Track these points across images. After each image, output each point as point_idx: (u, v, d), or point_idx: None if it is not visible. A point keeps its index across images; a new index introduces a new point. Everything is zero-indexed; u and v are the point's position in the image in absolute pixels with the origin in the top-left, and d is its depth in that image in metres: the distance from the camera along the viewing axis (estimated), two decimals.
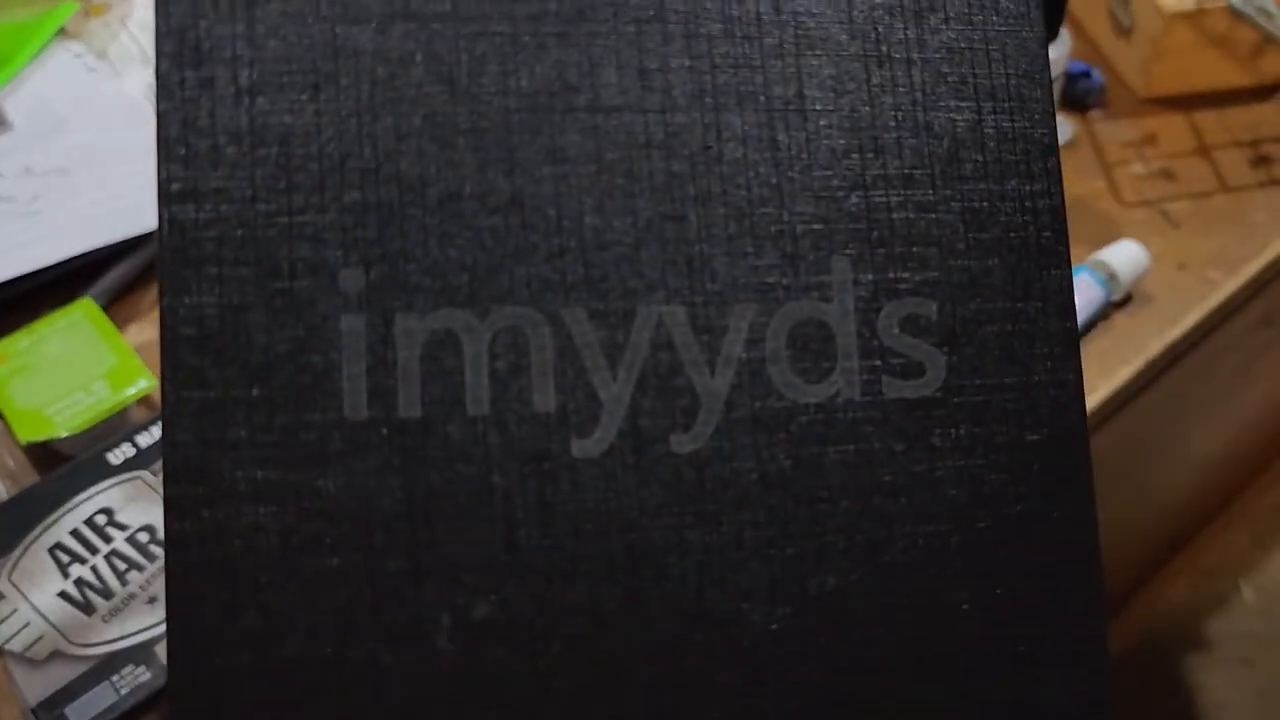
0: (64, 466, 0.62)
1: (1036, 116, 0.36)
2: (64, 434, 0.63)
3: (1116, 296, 0.76)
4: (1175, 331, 0.77)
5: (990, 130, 0.36)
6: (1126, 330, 0.76)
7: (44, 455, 0.65)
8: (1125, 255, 0.76)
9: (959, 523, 0.34)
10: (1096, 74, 0.90)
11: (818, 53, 0.35)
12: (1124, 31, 0.89)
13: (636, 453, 0.33)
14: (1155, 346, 0.76)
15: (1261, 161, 0.87)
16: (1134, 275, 0.76)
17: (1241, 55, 0.88)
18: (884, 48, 0.35)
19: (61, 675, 0.56)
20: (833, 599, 0.34)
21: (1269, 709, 1.21)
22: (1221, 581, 1.30)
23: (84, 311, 0.67)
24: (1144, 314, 0.77)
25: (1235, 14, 0.85)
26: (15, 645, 0.57)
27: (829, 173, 0.35)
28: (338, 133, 0.33)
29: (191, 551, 0.31)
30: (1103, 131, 0.88)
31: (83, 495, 0.61)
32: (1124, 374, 0.73)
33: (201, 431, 0.32)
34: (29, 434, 0.63)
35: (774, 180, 0.34)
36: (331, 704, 0.32)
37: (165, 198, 0.32)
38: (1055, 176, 0.36)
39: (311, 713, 0.32)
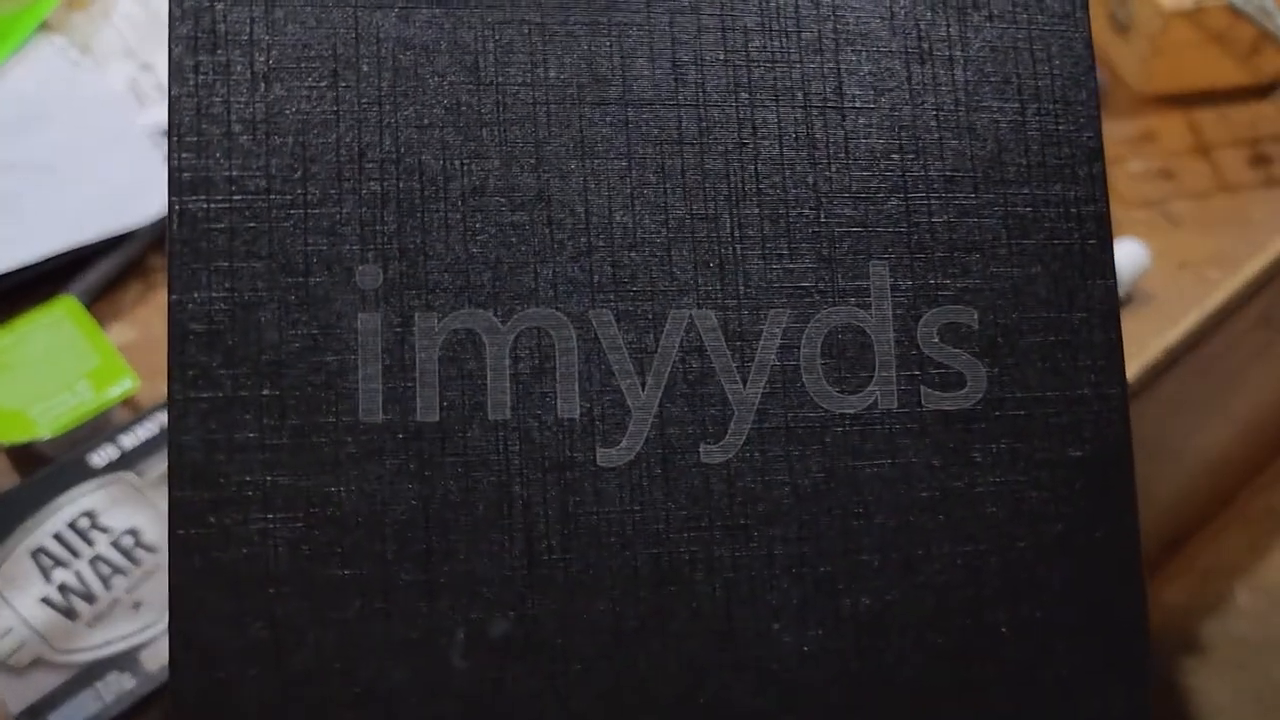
0: (45, 468, 0.61)
1: (1082, 119, 0.35)
2: (47, 435, 0.61)
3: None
4: (1176, 332, 0.76)
5: (1034, 132, 0.35)
6: (1127, 330, 0.75)
7: (24, 457, 0.63)
8: (1127, 255, 0.76)
9: (998, 541, 0.34)
10: (1095, 72, 0.89)
11: (857, 48, 0.34)
12: (1122, 29, 0.89)
13: (664, 463, 0.32)
14: (1156, 347, 0.75)
15: (1261, 161, 0.87)
16: (1135, 275, 0.76)
17: (1241, 53, 0.88)
18: (925, 45, 0.35)
19: (44, 683, 0.55)
20: (867, 619, 0.33)
21: (1265, 713, 1.21)
22: (1218, 584, 1.30)
23: (66, 310, 0.66)
24: (1144, 313, 0.77)
25: (1235, 12, 0.84)
26: None
27: (868, 173, 0.34)
28: (357, 122, 0.32)
29: (196, 558, 0.30)
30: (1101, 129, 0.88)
31: (65, 498, 0.60)
32: (1128, 375, 0.73)
33: (209, 433, 0.31)
34: (10, 435, 0.61)
35: (810, 180, 0.33)
36: None
37: (176, 187, 0.31)
38: (1100, 182, 0.35)
39: None
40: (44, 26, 0.81)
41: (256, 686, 0.30)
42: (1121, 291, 0.75)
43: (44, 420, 0.62)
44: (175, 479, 0.30)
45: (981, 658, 0.33)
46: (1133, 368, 0.74)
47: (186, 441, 0.31)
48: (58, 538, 0.59)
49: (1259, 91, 0.90)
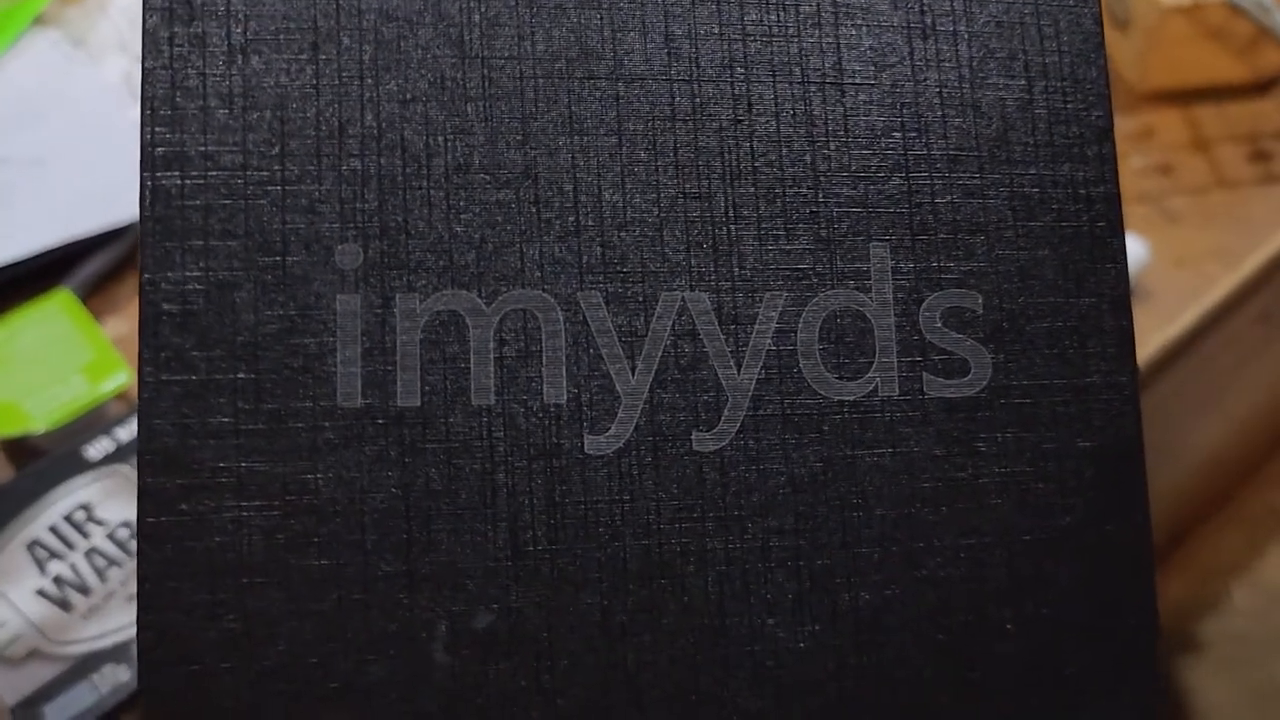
0: (40, 461, 0.60)
1: (1091, 98, 0.33)
2: (41, 429, 0.60)
3: None
4: (1175, 328, 0.75)
5: (1042, 111, 0.33)
6: None
7: (18, 451, 0.62)
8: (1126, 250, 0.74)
9: (1003, 534, 0.32)
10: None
11: (857, 22, 0.32)
12: (1121, 24, 0.88)
13: (654, 451, 0.30)
14: (1155, 343, 0.75)
15: (1260, 157, 0.85)
16: (1135, 271, 0.74)
17: (1239, 49, 0.87)
18: (929, 19, 0.33)
19: (40, 674, 0.54)
20: (866, 615, 0.31)
21: (1263, 711, 1.19)
22: (1216, 582, 1.28)
23: (61, 303, 0.65)
24: (1143, 310, 0.76)
25: (1232, 7, 0.83)
26: None
27: (868, 152, 0.32)
28: (337, 96, 0.30)
29: (167, 548, 0.29)
30: None
31: (60, 491, 0.59)
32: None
33: (181, 417, 0.29)
34: (4, 428, 0.60)
35: (808, 158, 0.31)
36: (317, 718, 0.29)
37: (149, 163, 0.30)
38: (1110, 162, 0.33)
39: None
40: (39, 20, 0.80)
41: (230, 680, 0.28)
42: None
43: (38, 414, 0.61)
44: (145, 465, 0.29)
45: (985, 655, 0.31)
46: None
47: (158, 426, 0.29)
48: (53, 530, 0.58)
49: (1258, 87, 0.89)
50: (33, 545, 0.57)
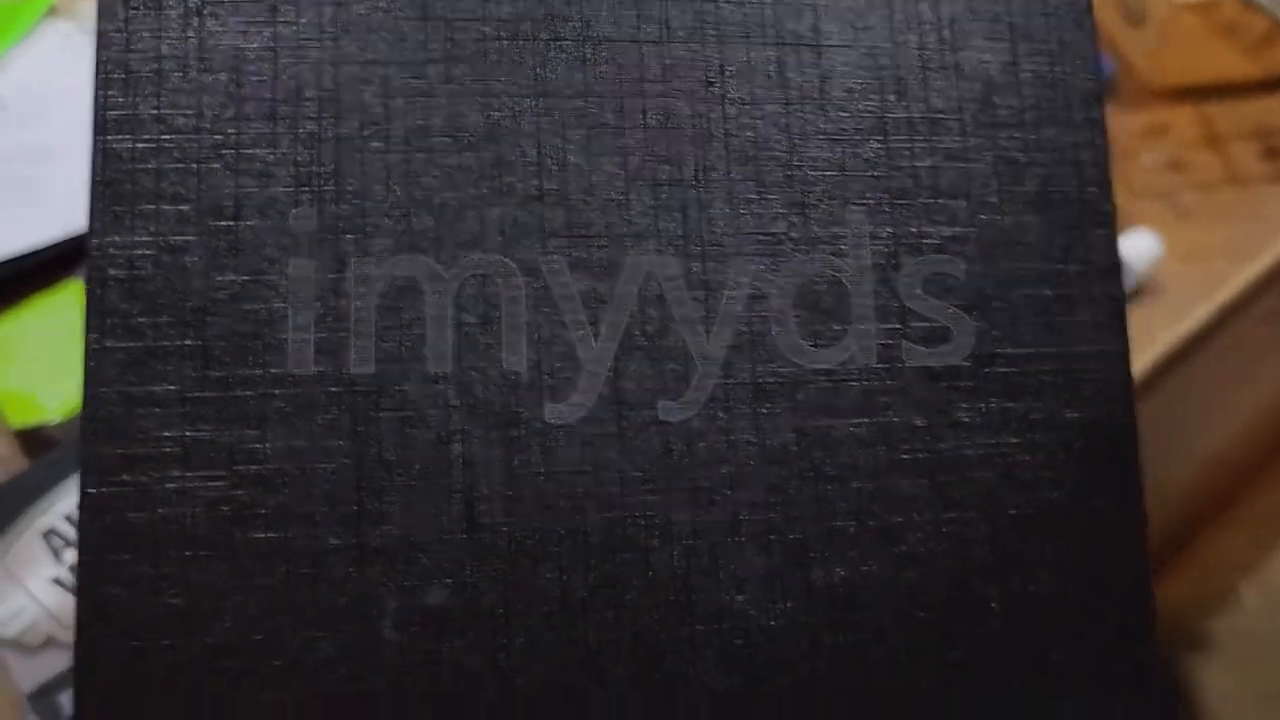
0: (54, 451, 0.58)
1: (1078, 61, 0.31)
2: (56, 419, 0.59)
3: (1129, 288, 0.71)
4: (1186, 325, 0.73)
5: (1027, 74, 0.30)
6: (1137, 322, 0.72)
7: (33, 440, 0.61)
8: (1138, 246, 0.72)
9: (987, 509, 0.29)
10: (1106, 63, 0.85)
11: None
12: (1134, 21, 0.85)
13: (618, 420, 0.28)
14: (1167, 339, 0.72)
15: (1272, 154, 0.83)
16: (1146, 266, 0.72)
17: (1251, 46, 0.84)
18: None
19: (56, 662, 0.53)
20: (841, 592, 0.28)
21: (1269, 709, 1.16)
22: (1223, 580, 1.25)
23: (74, 294, 0.64)
24: (1154, 306, 0.73)
25: (1245, 4, 0.80)
26: (9, 632, 0.53)
27: (844, 114, 0.29)
28: (295, 58, 0.28)
29: (109, 519, 0.26)
30: (1112, 122, 0.84)
31: (75, 480, 0.57)
32: (1135, 368, 0.69)
33: (126, 385, 0.27)
34: (20, 418, 0.59)
35: (783, 121, 0.29)
36: (262, 696, 0.26)
37: (100, 125, 0.28)
38: (1099, 126, 0.30)
39: (239, 706, 0.26)
40: (51, 12, 0.79)
41: (171, 657, 0.26)
42: (1132, 283, 0.72)
43: (53, 404, 0.60)
44: (88, 434, 0.27)
45: (967, 635, 0.29)
46: (1143, 361, 0.70)
47: (102, 394, 0.27)
48: (68, 519, 0.57)
49: (1270, 85, 0.86)
50: (48, 534, 0.56)
